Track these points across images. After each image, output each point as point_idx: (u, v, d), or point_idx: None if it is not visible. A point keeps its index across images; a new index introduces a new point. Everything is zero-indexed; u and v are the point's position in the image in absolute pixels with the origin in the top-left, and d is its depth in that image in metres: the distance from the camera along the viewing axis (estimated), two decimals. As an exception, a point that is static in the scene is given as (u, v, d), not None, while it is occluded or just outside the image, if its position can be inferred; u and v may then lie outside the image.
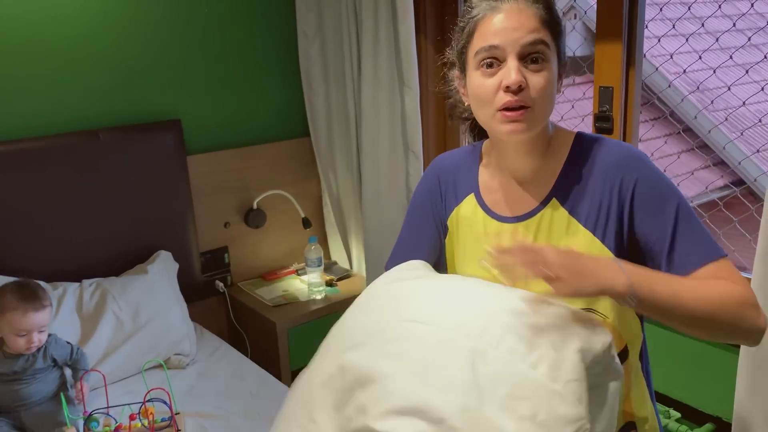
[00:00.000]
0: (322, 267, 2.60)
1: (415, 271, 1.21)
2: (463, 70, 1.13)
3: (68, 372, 1.90)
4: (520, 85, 1.03)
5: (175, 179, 2.39)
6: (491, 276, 1.08)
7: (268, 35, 2.65)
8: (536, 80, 1.04)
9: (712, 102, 3.54)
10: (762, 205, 1.42)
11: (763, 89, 1.72)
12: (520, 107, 1.04)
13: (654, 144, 3.71)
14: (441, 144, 2.44)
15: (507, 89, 1.03)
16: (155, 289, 2.21)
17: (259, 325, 2.49)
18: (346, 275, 2.77)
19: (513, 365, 0.94)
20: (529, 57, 1.04)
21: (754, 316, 1.00)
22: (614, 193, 1.08)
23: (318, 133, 2.75)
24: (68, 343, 1.90)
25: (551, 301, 1.01)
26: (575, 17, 4.66)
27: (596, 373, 0.96)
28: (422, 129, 2.29)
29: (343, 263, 2.90)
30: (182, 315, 2.25)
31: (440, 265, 1.29)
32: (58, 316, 2.00)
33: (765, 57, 1.64)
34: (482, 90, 1.06)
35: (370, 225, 2.51)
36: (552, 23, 1.06)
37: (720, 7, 1.61)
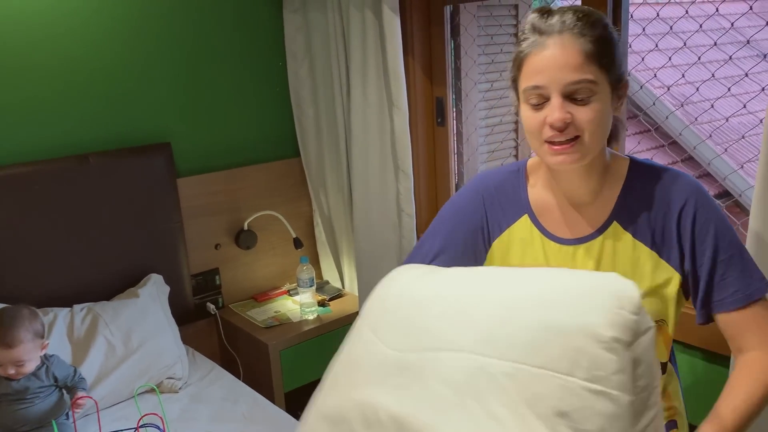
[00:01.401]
0: (314, 287, 2.60)
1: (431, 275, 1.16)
2: (517, 97, 1.14)
3: (67, 397, 1.88)
4: (564, 123, 1.04)
5: (166, 202, 2.39)
6: None
7: (257, 57, 2.67)
8: (583, 113, 1.04)
9: (696, 119, 3.59)
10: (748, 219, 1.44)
11: (745, 105, 1.74)
12: (568, 140, 1.06)
13: (640, 158, 3.73)
14: (431, 163, 2.46)
15: (551, 126, 1.05)
16: (147, 312, 2.20)
17: (251, 347, 2.48)
18: (338, 295, 2.77)
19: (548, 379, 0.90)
20: (574, 94, 1.04)
21: None
22: (673, 219, 1.11)
23: (308, 153, 2.76)
24: (71, 366, 1.91)
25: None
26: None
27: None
28: (412, 148, 2.31)
29: (335, 283, 2.90)
30: (174, 338, 2.23)
31: None
32: (49, 341, 1.99)
33: (746, 74, 1.67)
34: (530, 123, 1.09)
35: (361, 244, 2.52)
36: (600, 55, 1.04)
37: (701, 26, 1.64)
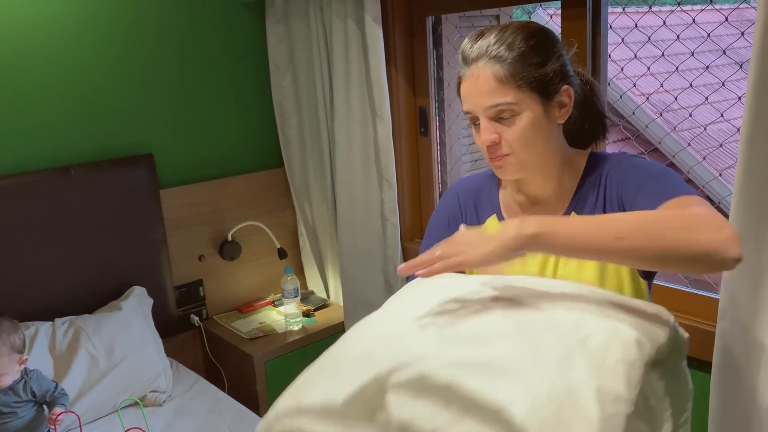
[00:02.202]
0: (298, 297, 2.59)
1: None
2: None
3: (47, 412, 1.86)
4: (493, 141, 1.11)
5: (149, 214, 2.38)
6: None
7: (240, 67, 2.67)
8: (509, 133, 1.11)
9: (675, 127, 3.63)
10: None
11: (722, 114, 1.77)
12: (502, 156, 1.13)
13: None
14: (414, 172, 2.47)
15: (484, 145, 1.12)
16: (130, 325, 2.19)
17: (236, 359, 2.47)
18: (323, 305, 2.76)
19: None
20: (499, 114, 1.10)
21: (714, 232, 0.89)
22: (614, 189, 1.14)
23: (292, 163, 2.76)
24: (53, 381, 1.89)
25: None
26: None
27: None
28: (395, 157, 2.31)
29: (320, 293, 2.90)
30: (157, 351, 2.22)
31: None
32: (30, 356, 1.96)
33: (723, 84, 1.70)
34: (477, 143, 1.16)
35: (346, 253, 2.52)
36: (515, 76, 1.08)
37: (678, 36, 1.67)
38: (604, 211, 1.14)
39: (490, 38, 1.11)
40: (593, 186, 1.17)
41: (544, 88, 1.11)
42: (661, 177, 1.08)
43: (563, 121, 1.16)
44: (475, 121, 1.14)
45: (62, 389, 1.89)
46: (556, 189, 1.21)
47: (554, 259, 1.18)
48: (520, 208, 1.25)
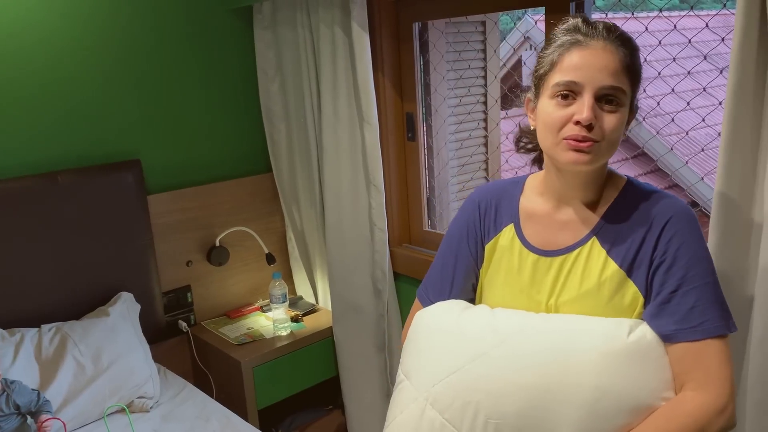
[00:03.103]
0: (286, 303, 2.59)
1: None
2: (537, 94, 1.15)
3: (31, 421, 1.84)
4: (591, 123, 1.06)
5: (136, 219, 2.38)
6: (522, 306, 1.20)
7: (228, 73, 2.68)
8: (608, 119, 1.07)
9: (658, 132, 3.67)
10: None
11: (704, 119, 1.80)
12: (588, 140, 1.07)
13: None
14: (402, 176, 2.48)
15: (577, 123, 1.06)
16: (117, 331, 2.18)
17: (224, 365, 2.46)
18: (311, 310, 2.76)
19: None
20: (604, 98, 1.07)
21: (716, 424, 1.03)
22: (654, 235, 1.11)
23: (280, 168, 2.76)
24: (34, 390, 1.87)
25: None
26: (531, 48, 4.80)
27: None
28: (383, 163, 2.32)
29: (309, 298, 2.90)
30: (145, 357, 2.21)
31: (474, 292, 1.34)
32: (15, 362, 1.96)
33: (704, 89, 1.72)
34: (553, 118, 1.09)
35: (334, 258, 2.52)
36: (633, 70, 1.09)
37: (660, 42, 1.69)
38: (635, 258, 1.12)
39: (611, 27, 1.09)
40: (636, 225, 1.13)
41: (635, 94, 1.12)
42: (704, 286, 1.08)
43: (623, 135, 1.14)
44: (566, 95, 1.08)
45: (45, 397, 1.88)
46: (590, 201, 1.18)
47: (557, 293, 1.18)
48: (543, 219, 1.22)
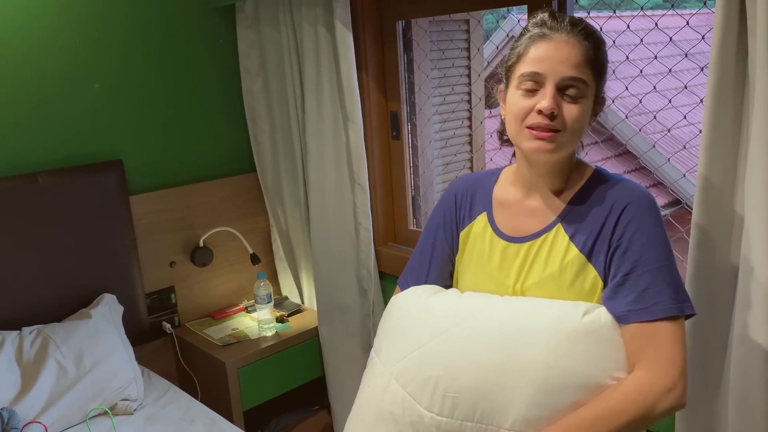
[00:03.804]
0: (271, 303, 2.58)
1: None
2: (507, 85, 1.20)
3: None
4: (553, 112, 1.11)
5: (118, 220, 2.35)
6: (491, 290, 1.26)
7: (211, 72, 2.66)
8: (570, 109, 1.12)
9: (639, 130, 3.70)
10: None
11: (685, 117, 1.81)
12: (550, 129, 1.12)
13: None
14: (387, 175, 2.47)
15: (540, 112, 1.11)
16: (99, 333, 2.16)
17: (209, 366, 2.45)
18: (297, 310, 2.75)
19: None
20: (566, 89, 1.12)
21: (664, 402, 1.06)
22: (610, 227, 1.16)
23: (264, 168, 2.75)
24: None
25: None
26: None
27: None
28: (367, 162, 2.32)
29: (295, 298, 2.89)
30: (128, 359, 2.19)
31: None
32: (-5, 366, 1.93)
33: (685, 87, 1.73)
34: (518, 108, 1.15)
35: (319, 258, 2.52)
36: (596, 63, 1.13)
37: (642, 40, 1.71)
38: (595, 242, 1.16)
39: (576, 21, 1.14)
40: (597, 213, 1.17)
41: (600, 86, 1.17)
42: (657, 269, 1.11)
43: (589, 126, 1.20)
44: (532, 87, 1.13)
45: (8, 411, 1.83)
46: (558, 189, 1.23)
47: (523, 278, 1.23)
48: (513, 207, 1.28)
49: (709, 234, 1.39)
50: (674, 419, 1.58)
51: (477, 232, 1.31)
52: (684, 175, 3.23)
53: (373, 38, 2.34)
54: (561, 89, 1.11)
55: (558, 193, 1.23)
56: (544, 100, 1.10)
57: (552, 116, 1.11)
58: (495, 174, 1.35)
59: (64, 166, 2.31)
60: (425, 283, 1.38)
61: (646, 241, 1.12)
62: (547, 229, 1.22)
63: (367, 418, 1.26)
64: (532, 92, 1.13)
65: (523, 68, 1.14)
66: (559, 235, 1.20)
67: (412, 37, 2.40)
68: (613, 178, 1.22)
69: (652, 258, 1.12)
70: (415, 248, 1.44)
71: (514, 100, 1.15)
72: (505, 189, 1.31)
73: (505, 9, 2.19)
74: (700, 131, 1.37)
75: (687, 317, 1.13)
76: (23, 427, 1.78)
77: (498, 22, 4.94)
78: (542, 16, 1.16)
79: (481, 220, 1.31)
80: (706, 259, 1.41)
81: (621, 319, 1.12)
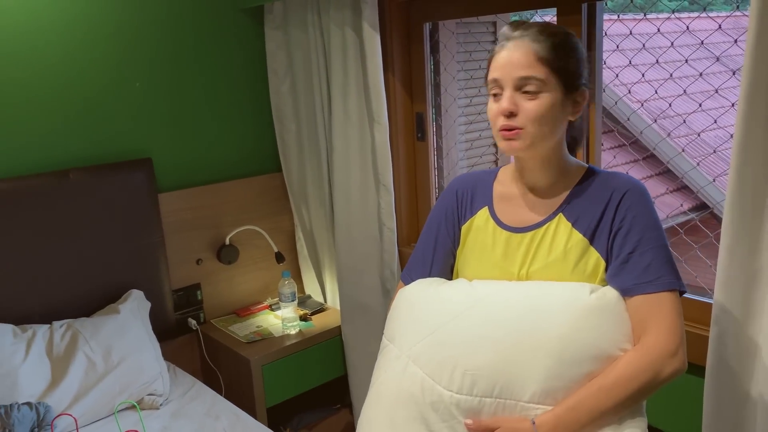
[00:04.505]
0: (295, 301, 2.60)
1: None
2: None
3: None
4: (511, 111, 1.21)
5: (147, 217, 2.39)
6: (496, 278, 1.32)
7: (238, 73, 2.69)
8: (528, 105, 1.21)
9: (669, 134, 3.66)
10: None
11: (716, 121, 1.79)
12: (512, 128, 1.21)
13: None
14: (411, 176, 2.48)
15: (501, 113, 1.22)
16: (127, 328, 2.19)
17: (233, 363, 2.47)
18: (320, 309, 2.77)
19: None
20: (522, 88, 1.21)
21: (669, 366, 1.16)
22: (611, 213, 1.25)
23: (290, 168, 2.77)
24: (27, 405, 1.84)
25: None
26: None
27: None
28: (392, 163, 2.33)
29: (318, 297, 2.91)
30: (155, 354, 2.22)
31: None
32: (27, 359, 1.97)
33: (716, 90, 1.72)
34: (490, 113, 1.26)
35: (343, 258, 2.53)
36: (552, 59, 1.20)
37: (672, 44, 1.69)
38: (597, 226, 1.25)
39: (533, 26, 1.23)
40: (597, 200, 1.26)
41: (569, 80, 1.23)
42: (658, 248, 1.21)
43: (573, 119, 1.27)
44: (496, 93, 1.23)
45: (44, 406, 1.86)
46: (553, 181, 1.31)
47: (528, 264, 1.30)
48: (514, 201, 1.35)
49: (740, 239, 1.38)
50: (700, 427, 1.56)
51: (479, 225, 1.38)
52: (713, 181, 3.19)
53: (400, 40, 2.35)
54: (519, 89, 1.20)
55: (556, 188, 1.31)
56: (502, 102, 1.21)
57: (510, 115, 1.20)
58: (494, 172, 1.43)
59: (95, 163, 2.35)
60: (429, 276, 1.43)
61: (646, 223, 1.22)
62: (549, 218, 1.30)
63: (385, 401, 1.29)
64: (497, 96, 1.24)
65: (489, 76, 1.25)
66: (562, 223, 1.28)
67: (439, 38, 2.41)
68: (607, 172, 1.31)
69: (654, 238, 1.21)
70: (417, 244, 1.49)
71: (488, 106, 1.26)
72: (505, 185, 1.39)
73: (532, 11, 2.19)
74: (731, 136, 1.36)
75: (681, 294, 1.23)
76: (53, 419, 1.82)
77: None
78: (504, 27, 1.26)
79: (483, 213, 1.38)
80: (736, 264, 1.40)
81: (627, 292, 1.21)
